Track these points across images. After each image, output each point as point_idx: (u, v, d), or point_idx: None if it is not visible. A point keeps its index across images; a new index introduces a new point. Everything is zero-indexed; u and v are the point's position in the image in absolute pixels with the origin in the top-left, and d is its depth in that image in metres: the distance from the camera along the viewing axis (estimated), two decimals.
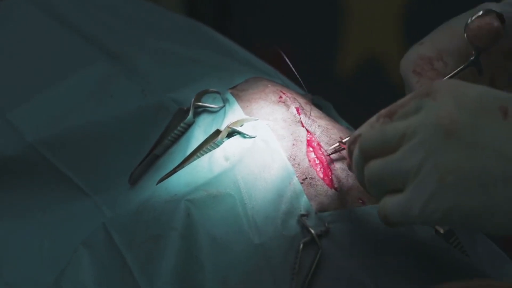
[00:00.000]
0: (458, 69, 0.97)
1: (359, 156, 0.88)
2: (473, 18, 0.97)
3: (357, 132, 0.90)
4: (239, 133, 1.00)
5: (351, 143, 0.90)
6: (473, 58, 0.97)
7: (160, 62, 1.14)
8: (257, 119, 1.01)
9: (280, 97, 1.05)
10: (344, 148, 0.99)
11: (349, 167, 0.94)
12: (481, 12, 0.97)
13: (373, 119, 0.89)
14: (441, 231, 0.97)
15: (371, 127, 0.88)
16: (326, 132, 1.02)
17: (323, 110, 1.08)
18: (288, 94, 1.04)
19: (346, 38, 2.35)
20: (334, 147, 1.00)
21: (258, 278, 0.91)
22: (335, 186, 0.98)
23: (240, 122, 1.01)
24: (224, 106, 1.05)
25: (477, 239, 1.03)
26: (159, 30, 1.23)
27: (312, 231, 0.93)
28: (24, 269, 1.05)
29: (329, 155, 1.00)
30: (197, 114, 1.06)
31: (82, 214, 1.06)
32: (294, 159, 0.98)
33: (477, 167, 0.81)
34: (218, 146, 1.00)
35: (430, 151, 0.82)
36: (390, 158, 0.84)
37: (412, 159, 0.82)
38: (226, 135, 1.00)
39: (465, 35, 0.96)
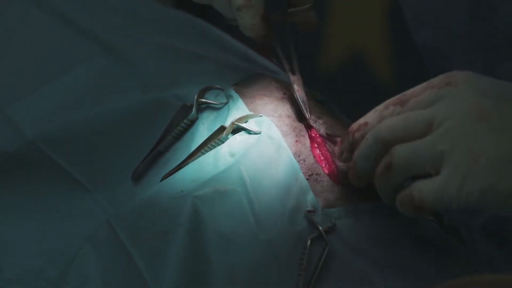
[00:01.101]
0: None
1: (375, 145, 0.89)
2: None
3: (362, 120, 0.91)
4: (244, 129, 1.00)
5: (356, 131, 0.91)
6: None
7: (161, 57, 1.13)
8: (261, 116, 1.01)
9: (284, 93, 1.05)
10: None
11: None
12: None
13: (380, 107, 0.91)
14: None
15: (380, 115, 0.89)
16: (331, 128, 1.02)
17: (325, 106, 1.08)
18: (292, 90, 1.05)
19: (330, 33, 2.36)
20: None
21: (265, 274, 0.91)
22: (341, 182, 0.98)
23: (245, 119, 1.00)
24: (228, 102, 1.04)
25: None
26: (157, 25, 1.23)
27: (320, 227, 0.93)
28: (25, 264, 1.05)
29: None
30: (200, 110, 1.05)
31: (84, 210, 1.05)
32: (299, 156, 0.98)
33: (509, 149, 0.83)
34: (223, 142, 1.00)
35: (463, 135, 0.84)
36: (421, 142, 0.86)
37: (444, 143, 0.84)
38: (231, 131, 1.00)
39: None
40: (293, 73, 1.05)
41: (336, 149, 0.97)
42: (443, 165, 0.85)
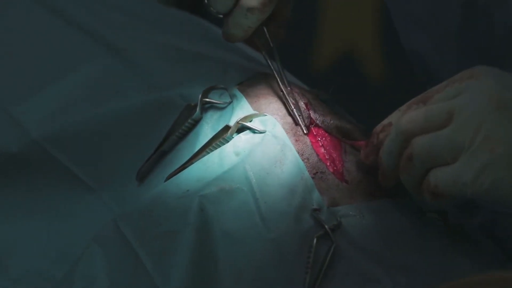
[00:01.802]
0: None
1: (397, 137, 0.90)
2: None
3: (386, 121, 0.92)
4: (249, 128, 1.00)
5: (380, 132, 0.92)
6: None
7: (165, 57, 1.14)
8: (266, 115, 1.01)
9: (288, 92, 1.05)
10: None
11: (366, 157, 0.96)
12: None
13: (403, 107, 0.92)
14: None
15: (403, 114, 0.90)
16: (337, 126, 1.02)
17: (329, 105, 1.09)
18: (296, 90, 1.05)
19: (322, 32, 2.36)
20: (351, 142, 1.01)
21: (272, 273, 0.91)
22: (346, 179, 0.98)
23: (249, 118, 1.01)
24: (232, 102, 1.05)
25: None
26: (160, 25, 1.23)
27: (326, 225, 0.93)
28: (30, 265, 1.05)
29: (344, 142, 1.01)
30: (204, 110, 1.06)
31: (88, 210, 1.05)
32: (302, 154, 0.99)
33: None
34: (227, 141, 1.00)
35: (482, 124, 0.85)
36: (440, 132, 0.87)
37: (464, 132, 0.85)
38: (235, 130, 1.00)
39: None
40: (286, 86, 1.05)
41: (362, 153, 0.97)
42: (461, 154, 0.86)
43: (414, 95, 0.96)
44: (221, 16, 1.04)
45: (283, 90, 1.04)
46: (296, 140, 1.00)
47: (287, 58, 1.22)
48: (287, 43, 1.12)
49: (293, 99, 1.03)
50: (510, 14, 1.07)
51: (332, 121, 1.03)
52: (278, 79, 1.05)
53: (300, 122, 1.01)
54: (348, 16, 2.34)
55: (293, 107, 1.02)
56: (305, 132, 1.00)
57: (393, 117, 0.93)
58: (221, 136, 1.00)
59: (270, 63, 1.06)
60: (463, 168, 0.85)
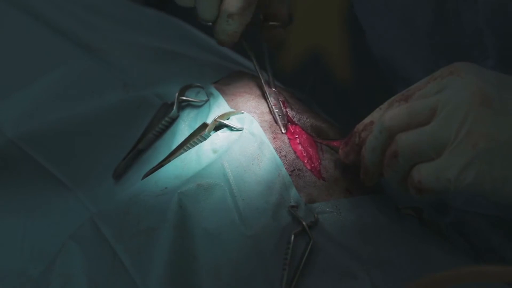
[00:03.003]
0: None
1: (381, 135, 0.90)
2: None
3: (367, 119, 0.93)
4: (226, 126, 1.01)
5: (362, 131, 0.93)
6: None
7: (140, 56, 1.14)
8: (243, 112, 1.02)
9: (265, 91, 1.06)
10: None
11: (346, 156, 0.97)
12: None
13: (384, 105, 0.92)
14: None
15: (385, 112, 0.91)
16: (315, 124, 1.03)
17: (304, 103, 1.10)
18: (273, 88, 1.06)
19: (288, 33, 2.36)
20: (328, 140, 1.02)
21: (250, 269, 0.92)
22: (323, 177, 0.99)
23: (227, 116, 1.01)
24: (209, 100, 1.05)
25: None
26: (135, 24, 1.23)
27: (303, 222, 0.94)
28: (6, 263, 1.04)
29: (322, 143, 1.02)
30: (181, 108, 1.06)
31: (65, 209, 1.05)
32: (280, 152, 0.99)
33: (508, 134, 0.85)
34: (205, 139, 1.01)
35: (465, 119, 0.85)
36: (424, 128, 0.87)
37: (448, 128, 0.86)
38: (213, 128, 1.01)
39: None
40: (269, 86, 1.06)
41: (341, 152, 0.98)
42: (445, 150, 0.86)
43: (381, 95, 0.97)
44: (210, 24, 1.05)
45: (266, 89, 1.05)
46: (274, 138, 1.01)
47: (259, 57, 1.23)
48: (285, 43, 1.12)
49: (274, 98, 1.04)
50: (478, 14, 1.08)
51: (308, 119, 1.04)
52: (262, 78, 1.06)
53: (279, 121, 1.01)
54: (315, 19, 2.34)
55: (272, 106, 1.03)
56: (283, 131, 1.01)
57: (374, 116, 0.94)
58: (199, 134, 1.01)
59: (255, 64, 1.07)
60: (446, 164, 0.86)
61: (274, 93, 1.05)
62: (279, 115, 1.02)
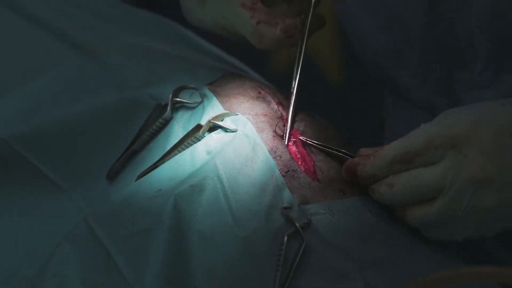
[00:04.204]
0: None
1: (391, 202, 0.98)
2: None
3: (369, 171, 0.97)
4: (220, 127, 1.01)
5: (360, 178, 0.98)
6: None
7: (135, 58, 1.14)
8: (237, 114, 1.02)
9: (259, 92, 1.06)
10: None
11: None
12: None
13: (384, 162, 0.96)
14: None
15: (387, 169, 0.96)
16: (310, 126, 1.04)
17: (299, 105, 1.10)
18: (267, 90, 1.06)
19: None
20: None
21: (244, 270, 0.92)
22: (318, 178, 1.00)
23: (221, 117, 1.02)
24: (202, 101, 1.05)
25: None
26: (130, 25, 1.23)
27: (296, 223, 0.94)
28: (0, 263, 1.04)
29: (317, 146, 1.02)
30: (175, 109, 1.06)
31: (59, 210, 1.05)
32: (275, 152, 1.00)
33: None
34: (199, 140, 1.01)
35: (470, 200, 0.93)
36: (431, 209, 0.95)
37: (454, 207, 0.94)
38: (207, 129, 1.01)
39: None
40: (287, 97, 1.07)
41: (343, 172, 1.00)
42: (451, 221, 0.95)
43: (371, 96, 0.97)
44: None
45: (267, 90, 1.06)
46: (273, 136, 1.01)
47: (250, 58, 1.24)
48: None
49: (277, 99, 1.04)
50: (471, 16, 1.09)
51: (302, 121, 1.04)
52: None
53: (286, 133, 1.02)
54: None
55: (289, 121, 1.04)
56: (286, 143, 1.02)
57: (376, 168, 0.97)
58: (193, 135, 1.01)
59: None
60: (452, 233, 0.96)
61: (272, 93, 1.05)
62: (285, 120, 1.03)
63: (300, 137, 1.02)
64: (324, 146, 1.02)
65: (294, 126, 1.03)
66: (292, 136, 1.02)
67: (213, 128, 1.01)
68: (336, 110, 2.20)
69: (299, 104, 1.09)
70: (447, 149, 0.93)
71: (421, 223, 0.96)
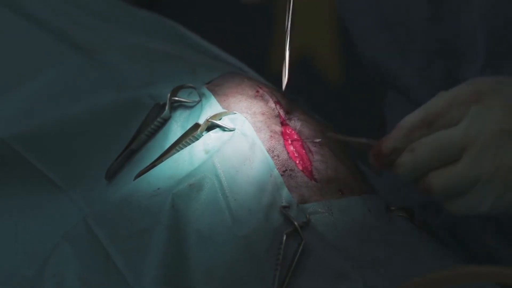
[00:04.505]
0: None
1: (412, 171, 0.92)
2: None
3: (390, 144, 0.93)
4: (218, 126, 1.01)
5: (384, 156, 0.93)
6: None
7: (133, 57, 1.14)
8: (235, 113, 1.02)
9: (257, 91, 1.06)
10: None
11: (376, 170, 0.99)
12: None
13: (404, 131, 0.92)
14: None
15: (407, 140, 0.91)
16: (307, 125, 1.04)
17: (297, 104, 1.10)
18: (265, 89, 1.06)
19: (280, 36, 2.37)
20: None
21: (242, 270, 0.92)
22: (315, 177, 1.00)
23: (219, 116, 1.01)
24: (201, 100, 1.05)
25: None
26: (129, 25, 1.23)
27: (295, 222, 0.94)
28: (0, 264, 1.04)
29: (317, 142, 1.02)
30: (173, 109, 1.06)
31: (58, 210, 1.05)
32: (273, 151, 1.00)
33: None
34: (197, 139, 1.01)
35: (494, 157, 0.88)
36: (455, 169, 0.90)
37: (478, 166, 0.89)
38: (205, 128, 1.01)
39: None
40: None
41: (372, 159, 0.96)
42: (476, 185, 0.90)
43: (371, 96, 0.97)
44: None
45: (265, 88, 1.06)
46: (271, 136, 1.01)
47: (248, 57, 1.24)
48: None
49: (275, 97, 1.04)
50: (475, 11, 1.09)
51: (299, 120, 1.04)
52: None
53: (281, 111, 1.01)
54: (306, 20, 2.35)
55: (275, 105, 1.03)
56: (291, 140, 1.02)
57: (397, 142, 0.93)
58: (191, 134, 1.01)
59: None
60: (478, 199, 0.90)
61: (270, 92, 1.05)
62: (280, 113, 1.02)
63: (328, 134, 1.02)
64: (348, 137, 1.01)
65: (291, 124, 1.03)
66: (289, 136, 1.02)
67: (211, 127, 1.01)
68: (336, 110, 2.20)
69: (298, 103, 1.09)
70: (471, 103, 0.90)
71: (446, 190, 0.91)
